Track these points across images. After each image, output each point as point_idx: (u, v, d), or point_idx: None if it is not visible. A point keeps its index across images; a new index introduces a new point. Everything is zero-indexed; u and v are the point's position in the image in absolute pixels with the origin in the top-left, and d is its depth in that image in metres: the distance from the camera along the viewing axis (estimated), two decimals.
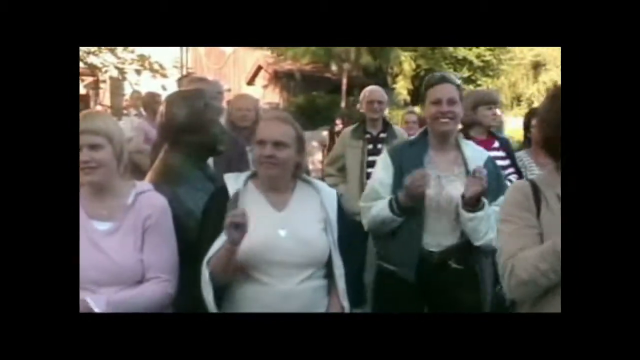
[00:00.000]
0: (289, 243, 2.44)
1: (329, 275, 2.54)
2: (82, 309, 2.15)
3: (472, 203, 2.88)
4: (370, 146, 5.36)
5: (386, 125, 5.54)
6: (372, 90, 5.69)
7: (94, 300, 2.21)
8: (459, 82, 3.14)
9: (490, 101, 4.39)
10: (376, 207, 3.01)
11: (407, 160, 3.02)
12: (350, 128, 5.73)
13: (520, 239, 1.99)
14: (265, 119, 2.75)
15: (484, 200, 2.91)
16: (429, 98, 3.07)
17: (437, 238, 3.00)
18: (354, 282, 2.63)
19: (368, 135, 5.43)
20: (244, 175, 2.58)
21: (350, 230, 2.67)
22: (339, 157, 5.56)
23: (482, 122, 4.30)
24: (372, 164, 4.32)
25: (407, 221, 2.96)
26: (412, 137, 3.32)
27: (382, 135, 5.42)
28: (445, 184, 3.01)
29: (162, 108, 2.86)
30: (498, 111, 4.44)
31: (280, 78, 22.02)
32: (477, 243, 2.91)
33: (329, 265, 2.53)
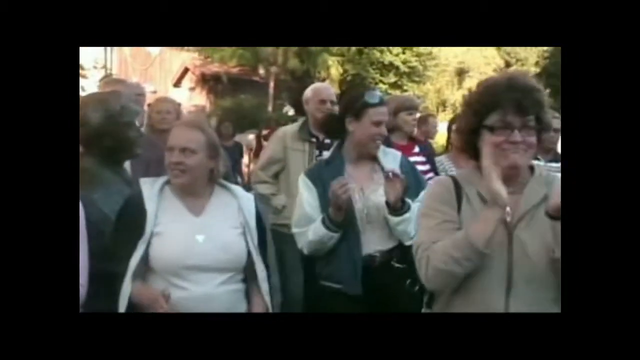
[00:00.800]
0: (206, 248, 2.43)
1: (248, 278, 2.57)
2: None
3: (397, 207, 2.92)
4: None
5: None
6: (322, 88, 4.83)
7: None
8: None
9: (411, 107, 4.46)
10: (311, 230, 2.99)
11: (327, 179, 2.97)
12: (290, 128, 4.77)
13: (438, 233, 2.01)
14: (175, 125, 2.72)
15: (408, 201, 2.96)
16: (370, 117, 3.03)
17: (375, 246, 3.01)
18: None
19: (314, 139, 4.50)
20: (160, 180, 2.55)
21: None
22: (276, 161, 4.61)
23: (403, 127, 4.36)
24: None
25: (344, 237, 2.96)
26: (326, 156, 3.25)
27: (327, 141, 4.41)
28: (369, 194, 3.03)
29: None
30: (432, 118, 4.50)
31: (207, 80, 21.88)
32: (408, 242, 2.91)
33: (247, 268, 2.54)
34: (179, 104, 4.85)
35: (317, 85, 4.98)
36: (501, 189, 1.87)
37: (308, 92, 4.69)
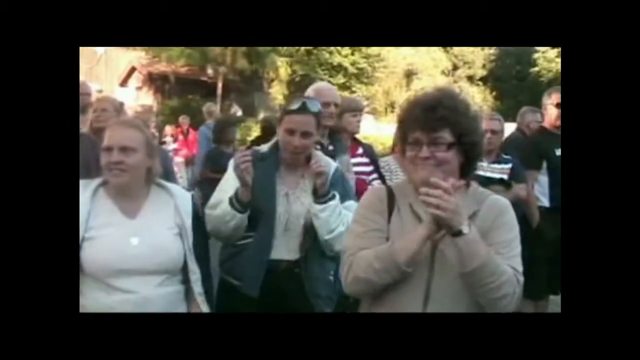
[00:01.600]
0: (141, 251, 2.39)
1: (186, 280, 2.52)
2: None
3: (322, 193, 2.87)
4: None
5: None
6: (326, 88, 4.13)
7: None
8: (317, 109, 2.94)
9: (356, 108, 4.48)
10: (219, 208, 2.90)
11: (258, 174, 2.87)
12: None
13: (365, 240, 2.04)
14: (111, 124, 2.60)
15: (333, 192, 2.92)
16: (284, 124, 2.91)
17: (285, 254, 2.95)
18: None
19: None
20: (94, 183, 2.49)
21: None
22: None
23: (347, 128, 4.38)
24: None
25: (257, 238, 2.91)
26: (263, 150, 3.07)
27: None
28: (292, 201, 2.97)
29: None
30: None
31: (154, 80, 21.63)
32: (327, 236, 2.88)
33: (184, 270, 2.51)
34: (121, 103, 4.73)
35: (319, 85, 4.22)
36: (427, 209, 1.87)
37: (310, 92, 3.96)
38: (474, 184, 2.12)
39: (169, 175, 4.32)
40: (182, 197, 2.59)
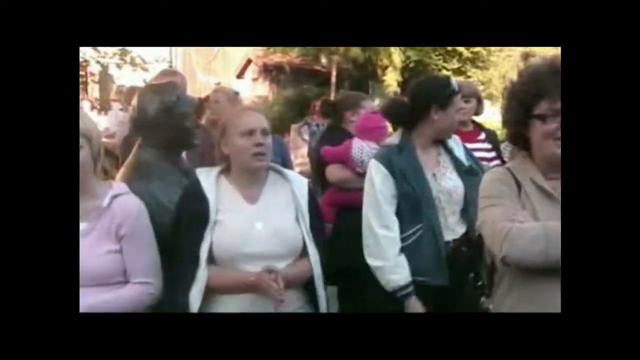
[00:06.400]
0: (263, 235, 2.43)
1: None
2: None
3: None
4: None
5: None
6: (466, 85, 4.37)
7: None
8: None
9: (469, 94, 4.30)
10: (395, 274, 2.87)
11: (399, 165, 2.93)
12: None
13: (509, 214, 1.97)
14: (241, 110, 2.72)
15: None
16: (455, 105, 3.04)
17: (451, 232, 2.95)
18: None
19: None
20: (215, 170, 2.55)
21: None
22: None
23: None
24: None
25: (426, 227, 2.88)
26: (395, 142, 3.09)
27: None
28: (440, 178, 2.98)
29: (133, 102, 2.80)
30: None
31: (269, 71, 21.98)
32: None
33: (303, 253, 2.52)
34: (235, 93, 4.79)
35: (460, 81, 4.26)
36: None
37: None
38: None
39: (286, 163, 4.46)
40: (298, 181, 2.62)
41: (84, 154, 2.31)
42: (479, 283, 2.34)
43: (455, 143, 3.15)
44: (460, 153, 3.10)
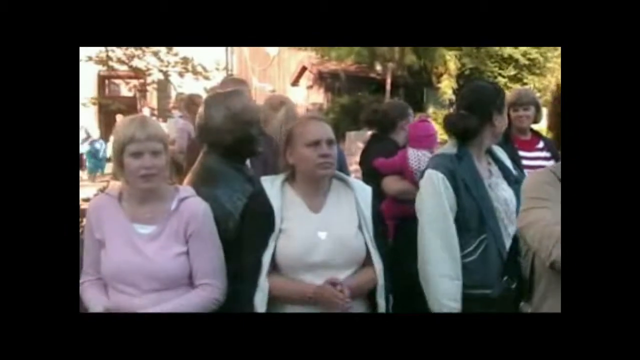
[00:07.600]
0: (328, 245, 2.43)
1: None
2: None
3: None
4: None
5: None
6: (524, 92, 4.40)
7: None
8: None
9: (526, 102, 4.23)
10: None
11: (463, 174, 2.85)
12: None
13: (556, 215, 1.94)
14: (307, 119, 2.68)
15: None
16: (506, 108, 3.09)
17: (510, 242, 2.78)
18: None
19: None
20: (279, 179, 2.57)
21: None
22: None
23: (513, 123, 4.13)
24: None
25: (490, 237, 2.81)
26: (453, 151, 2.96)
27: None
28: (494, 188, 2.93)
29: (200, 110, 2.86)
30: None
31: (324, 78, 22.02)
32: None
33: (367, 263, 2.50)
34: (281, 102, 4.74)
35: (519, 89, 4.80)
36: None
37: (512, 97, 4.15)
38: None
39: (343, 170, 4.37)
40: (362, 189, 2.61)
41: (163, 160, 2.37)
42: (513, 286, 2.32)
43: (501, 152, 3.11)
44: (508, 162, 3.07)
